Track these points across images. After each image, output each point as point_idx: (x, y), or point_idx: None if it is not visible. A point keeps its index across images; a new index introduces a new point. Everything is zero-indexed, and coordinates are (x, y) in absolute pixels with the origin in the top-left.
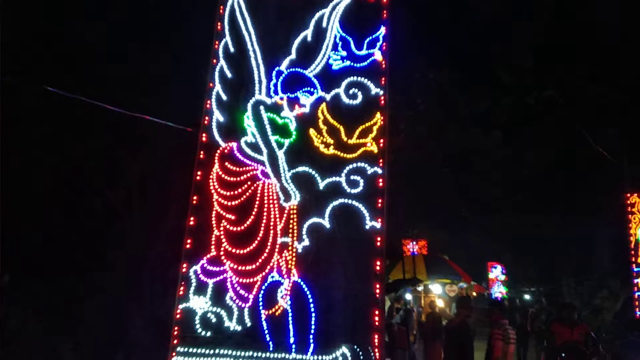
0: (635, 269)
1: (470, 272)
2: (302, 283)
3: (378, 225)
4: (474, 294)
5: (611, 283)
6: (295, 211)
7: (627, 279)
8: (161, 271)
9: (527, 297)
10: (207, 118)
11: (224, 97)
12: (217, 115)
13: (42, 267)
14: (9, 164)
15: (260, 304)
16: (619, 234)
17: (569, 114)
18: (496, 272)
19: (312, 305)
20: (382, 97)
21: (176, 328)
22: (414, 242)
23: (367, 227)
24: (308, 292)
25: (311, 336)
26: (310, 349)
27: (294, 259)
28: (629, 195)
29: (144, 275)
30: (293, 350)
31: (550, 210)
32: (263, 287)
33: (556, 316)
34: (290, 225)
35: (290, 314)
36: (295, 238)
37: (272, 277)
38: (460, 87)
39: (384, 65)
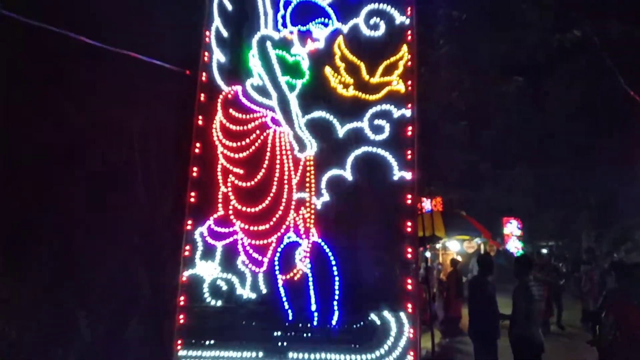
0: None
1: (487, 228)
2: (322, 243)
3: (408, 175)
4: (493, 249)
5: (635, 235)
6: (312, 163)
7: None
8: (170, 232)
9: (544, 251)
10: (206, 54)
11: (225, 34)
12: (218, 55)
13: (45, 234)
14: None
15: (277, 268)
16: None
17: (595, 56)
18: (511, 227)
19: (334, 268)
20: (409, 30)
21: (182, 298)
22: (430, 200)
23: (396, 177)
24: (330, 254)
25: (335, 303)
26: (335, 318)
27: (312, 216)
28: None
29: (153, 237)
30: (315, 319)
31: (570, 161)
32: (279, 249)
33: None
34: (307, 179)
35: (310, 279)
36: (313, 193)
37: (289, 237)
38: (483, 27)
39: None
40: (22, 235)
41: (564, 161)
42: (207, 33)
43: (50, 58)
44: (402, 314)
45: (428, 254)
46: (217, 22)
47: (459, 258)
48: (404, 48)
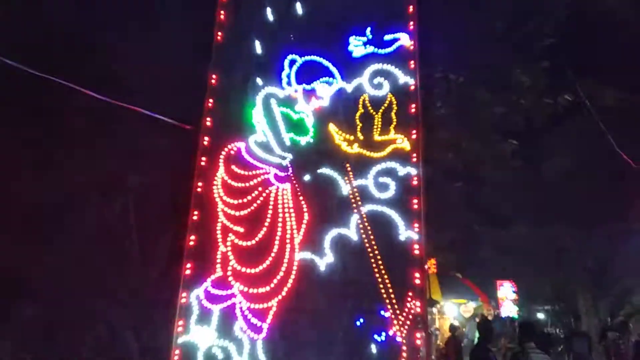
0: None
1: (482, 291)
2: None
3: (415, 234)
4: (491, 314)
5: (633, 298)
6: (357, 195)
7: None
8: (162, 295)
9: (540, 315)
10: (209, 119)
11: (229, 90)
12: (222, 112)
13: (32, 290)
14: None
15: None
16: None
17: (588, 120)
18: (505, 290)
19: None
20: (413, 85)
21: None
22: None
23: (402, 238)
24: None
25: None
26: None
27: None
28: None
29: (143, 300)
30: None
31: (566, 223)
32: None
33: None
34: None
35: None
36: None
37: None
38: (479, 90)
39: (412, 47)
40: (7, 292)
41: (560, 223)
42: (210, 100)
43: (46, 112)
44: None
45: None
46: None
47: (456, 323)
48: (389, 97)
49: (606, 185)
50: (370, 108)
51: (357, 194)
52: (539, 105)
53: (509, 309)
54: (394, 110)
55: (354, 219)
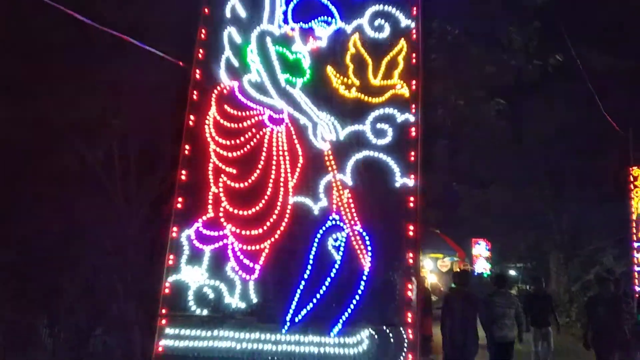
0: (636, 244)
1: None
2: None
3: (410, 182)
4: (468, 268)
5: (604, 259)
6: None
7: (623, 255)
8: (147, 238)
9: (512, 272)
10: (201, 51)
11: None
12: (215, 50)
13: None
14: None
15: (269, 276)
16: (618, 209)
17: (574, 85)
18: (480, 249)
19: (331, 278)
20: (414, 31)
21: (164, 308)
22: None
23: (398, 184)
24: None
25: (331, 313)
26: (334, 331)
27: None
28: (633, 168)
29: (127, 244)
30: (309, 331)
31: (543, 184)
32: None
33: None
34: (330, 167)
35: (302, 287)
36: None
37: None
38: (472, 45)
39: None
40: None
41: (538, 184)
42: (203, 30)
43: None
44: (400, 327)
45: None
46: (215, 18)
47: (433, 276)
48: (402, 42)
49: (585, 150)
50: (361, 50)
51: (353, 139)
52: (528, 65)
53: (482, 265)
54: (402, 55)
55: (350, 164)
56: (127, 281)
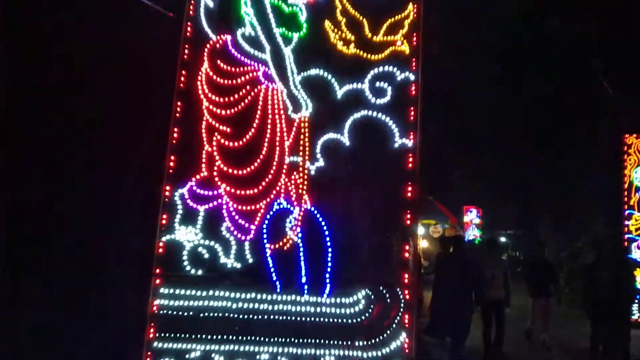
0: (627, 211)
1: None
2: (315, 211)
3: (409, 142)
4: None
5: (595, 227)
6: (306, 124)
7: (614, 222)
8: (139, 197)
9: (502, 239)
10: (192, 2)
11: None
12: (207, 0)
13: None
14: None
15: (265, 236)
16: (610, 176)
17: (569, 50)
18: (471, 216)
19: (328, 238)
20: None
21: (158, 267)
22: None
23: (396, 145)
24: (323, 223)
25: (327, 275)
26: (326, 291)
27: (305, 182)
28: (627, 136)
29: (118, 203)
30: (305, 291)
31: (535, 151)
32: (268, 216)
33: None
34: (301, 142)
35: (301, 249)
36: (307, 157)
37: (279, 204)
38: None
39: None
40: None
41: (530, 151)
42: None
43: None
44: (397, 288)
45: None
46: None
47: (425, 242)
48: (410, 6)
49: (579, 116)
50: (348, 5)
51: (351, 98)
52: (525, 29)
53: (473, 232)
54: (396, 11)
55: (347, 123)
56: (120, 239)
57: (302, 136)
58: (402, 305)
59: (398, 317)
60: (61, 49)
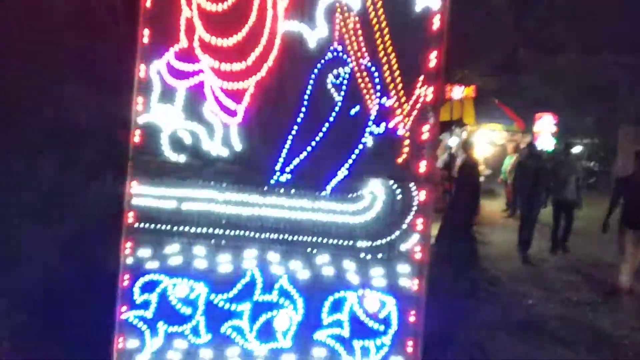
0: None
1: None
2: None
3: (435, 3)
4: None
5: None
6: None
7: None
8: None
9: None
10: None
11: None
12: None
13: None
14: None
15: (254, 119)
16: None
17: None
18: (543, 123)
19: (329, 123)
20: None
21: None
22: (461, 87)
23: (418, 9)
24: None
25: (329, 163)
26: (330, 184)
27: None
28: None
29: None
30: (301, 184)
31: (618, 52)
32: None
33: None
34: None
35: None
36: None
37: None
38: None
39: None
40: None
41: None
42: None
43: None
44: (409, 183)
45: (456, 141)
46: None
47: (490, 147)
48: None
49: None
50: None
51: None
52: None
53: (546, 141)
54: None
55: None
56: (97, 119)
57: None
58: (414, 204)
59: (409, 218)
60: None
